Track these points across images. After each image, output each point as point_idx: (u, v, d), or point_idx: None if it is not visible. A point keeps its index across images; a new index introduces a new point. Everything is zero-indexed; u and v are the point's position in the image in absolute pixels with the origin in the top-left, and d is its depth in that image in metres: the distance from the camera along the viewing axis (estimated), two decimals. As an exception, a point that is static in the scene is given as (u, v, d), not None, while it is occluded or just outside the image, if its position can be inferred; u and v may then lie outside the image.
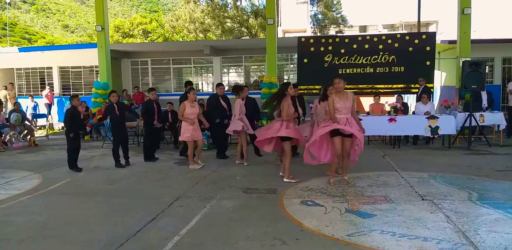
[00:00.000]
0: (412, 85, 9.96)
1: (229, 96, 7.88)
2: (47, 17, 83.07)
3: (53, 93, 15.25)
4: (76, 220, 4.35)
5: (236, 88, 7.32)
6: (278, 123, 5.85)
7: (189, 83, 8.50)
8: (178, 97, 8.31)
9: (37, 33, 68.92)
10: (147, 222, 4.17)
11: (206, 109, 9.02)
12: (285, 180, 5.79)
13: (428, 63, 9.92)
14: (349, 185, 5.47)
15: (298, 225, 3.95)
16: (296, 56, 12.04)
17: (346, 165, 5.72)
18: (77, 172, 6.92)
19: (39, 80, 16.40)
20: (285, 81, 15.80)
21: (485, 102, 9.76)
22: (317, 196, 4.98)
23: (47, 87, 15.12)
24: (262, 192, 5.28)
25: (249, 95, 7.70)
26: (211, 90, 15.64)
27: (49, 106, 14.51)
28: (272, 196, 5.09)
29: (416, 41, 9.97)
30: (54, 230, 4.05)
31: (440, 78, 13.44)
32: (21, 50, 17.02)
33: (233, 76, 17.28)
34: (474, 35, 11.02)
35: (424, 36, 10.14)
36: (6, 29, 54.02)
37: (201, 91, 16.72)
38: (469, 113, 8.66)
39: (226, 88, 15.98)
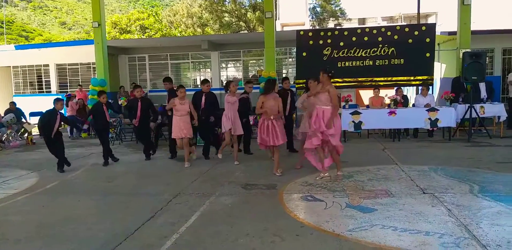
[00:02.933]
0: (412, 78, 9.87)
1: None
2: (44, 14, 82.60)
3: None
4: (74, 218, 4.30)
5: (226, 85, 7.19)
6: (270, 125, 5.84)
7: (168, 79, 8.20)
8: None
9: (34, 30, 68.57)
10: (145, 220, 4.12)
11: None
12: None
13: (428, 55, 9.81)
14: (337, 181, 5.42)
15: (298, 221, 3.91)
16: (295, 50, 11.93)
17: (337, 160, 5.67)
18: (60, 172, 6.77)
19: (36, 78, 16.29)
20: (283, 75, 15.70)
21: (484, 94, 9.68)
22: (317, 191, 4.93)
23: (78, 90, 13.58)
24: (261, 188, 5.23)
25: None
26: (213, 86, 15.50)
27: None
28: (272, 191, 5.04)
29: (416, 33, 9.84)
30: (52, 229, 4.01)
31: (440, 70, 13.33)
32: (17, 48, 16.89)
33: (232, 71, 17.17)
34: (473, 26, 10.89)
35: (423, 28, 10.01)
36: (3, 27, 53.75)
37: (199, 86, 16.61)
38: (469, 105, 8.59)
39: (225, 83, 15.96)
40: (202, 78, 17.16)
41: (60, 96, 7.16)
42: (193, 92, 7.84)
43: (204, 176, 6.08)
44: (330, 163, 5.74)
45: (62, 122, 6.99)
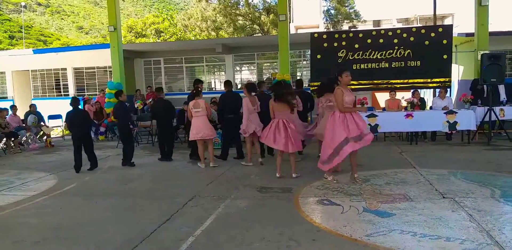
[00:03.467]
0: (429, 80, 9.72)
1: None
2: (62, 19, 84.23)
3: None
4: (91, 221, 4.33)
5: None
6: (284, 126, 5.84)
7: (198, 81, 8.31)
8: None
9: (52, 35, 69.95)
10: (161, 223, 4.12)
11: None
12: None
13: (445, 56, 9.66)
14: (357, 183, 5.35)
15: (314, 225, 3.86)
16: (309, 52, 11.88)
17: (354, 161, 5.54)
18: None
19: (54, 81, 16.59)
20: (297, 78, 15.65)
21: (504, 96, 9.47)
22: (334, 195, 4.87)
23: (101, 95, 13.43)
24: (277, 191, 5.19)
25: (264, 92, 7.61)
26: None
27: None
28: (288, 195, 5.00)
29: (432, 34, 9.70)
30: (69, 231, 4.04)
31: (458, 72, 13.12)
32: (35, 52, 17.23)
33: (246, 74, 17.20)
34: (491, 28, 10.70)
35: (440, 29, 9.87)
36: (22, 32, 54.99)
37: (213, 89, 16.69)
38: (488, 107, 8.41)
39: (239, 86, 16.00)
40: (217, 81, 17.26)
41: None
42: (209, 96, 7.91)
43: (219, 179, 6.07)
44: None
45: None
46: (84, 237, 3.86)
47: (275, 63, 16.04)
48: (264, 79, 16.24)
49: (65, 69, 16.20)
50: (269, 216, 4.22)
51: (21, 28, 57.28)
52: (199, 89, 7.30)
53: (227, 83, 7.79)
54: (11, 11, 73.92)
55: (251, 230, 3.83)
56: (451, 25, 10.73)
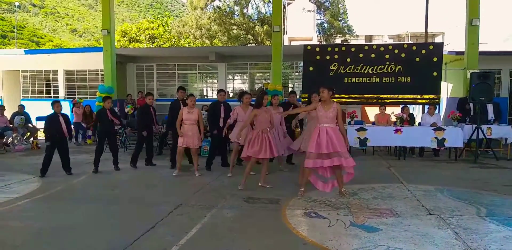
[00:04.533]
0: (419, 96, 9.84)
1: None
2: (56, 20, 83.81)
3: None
4: (74, 226, 4.24)
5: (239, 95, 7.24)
6: (264, 137, 5.83)
7: (182, 88, 8.29)
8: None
9: (45, 36, 69.45)
10: (145, 231, 4.06)
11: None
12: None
13: (435, 74, 9.80)
14: (344, 197, 5.35)
15: (301, 238, 3.83)
16: (301, 64, 11.97)
17: (340, 176, 5.52)
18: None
19: (44, 83, 16.40)
20: (290, 89, 15.73)
21: (491, 115, 9.62)
22: (321, 208, 4.85)
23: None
24: (264, 202, 5.16)
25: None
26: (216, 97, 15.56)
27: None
28: (275, 206, 4.97)
29: (423, 51, 9.86)
30: (50, 236, 3.95)
31: (447, 90, 13.31)
32: (27, 52, 17.04)
33: (238, 83, 17.23)
34: (483, 47, 10.92)
35: (431, 47, 10.03)
36: (15, 32, 54.51)
37: (205, 97, 16.65)
38: (476, 125, 8.53)
39: (231, 95, 16.00)
40: (209, 89, 17.26)
41: (59, 101, 7.19)
42: (201, 103, 7.88)
43: (206, 188, 6.02)
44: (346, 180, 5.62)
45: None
46: (66, 243, 3.78)
47: (268, 74, 16.11)
48: (256, 89, 16.30)
49: (56, 71, 16.03)
50: (256, 227, 4.18)
51: (14, 28, 56.80)
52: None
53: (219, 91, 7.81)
54: (5, 10, 73.35)
55: (237, 241, 3.78)
56: (442, 43, 10.94)
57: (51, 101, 7.08)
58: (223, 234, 3.96)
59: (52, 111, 6.99)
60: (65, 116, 7.03)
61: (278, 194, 5.49)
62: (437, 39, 31.74)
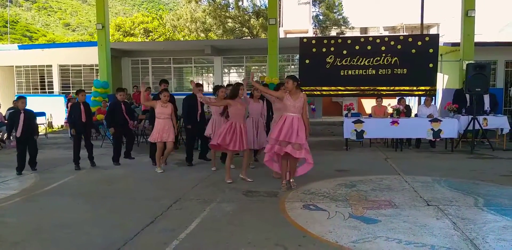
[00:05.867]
0: (415, 88, 9.86)
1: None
2: (49, 15, 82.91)
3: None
4: (72, 222, 4.23)
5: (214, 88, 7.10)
6: (238, 128, 5.80)
7: (164, 81, 8.15)
8: (180, 97, 8.13)
9: (38, 31, 68.73)
10: (145, 225, 4.06)
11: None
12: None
13: (431, 65, 9.81)
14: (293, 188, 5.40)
15: (300, 231, 3.84)
16: (297, 57, 11.93)
17: (293, 167, 5.53)
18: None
19: (38, 78, 16.26)
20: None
21: (488, 106, 9.65)
22: (320, 200, 4.87)
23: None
24: (263, 195, 5.17)
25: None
26: (212, 91, 15.51)
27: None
28: (274, 199, 4.98)
29: (419, 43, 9.85)
30: (49, 232, 3.94)
31: (443, 81, 13.33)
32: (20, 47, 16.87)
33: (234, 77, 17.16)
34: (478, 38, 10.91)
35: (427, 38, 10.02)
36: (7, 27, 53.90)
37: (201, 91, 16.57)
38: (472, 116, 8.56)
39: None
40: (205, 83, 17.18)
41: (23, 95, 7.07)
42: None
43: (205, 181, 6.02)
44: (302, 172, 5.63)
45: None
46: (65, 239, 3.77)
47: (264, 67, 16.06)
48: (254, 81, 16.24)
49: (51, 66, 15.89)
50: (255, 220, 4.19)
51: (7, 23, 56.14)
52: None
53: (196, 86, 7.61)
54: (-4, 5, 72.41)
55: (237, 234, 3.79)
56: (438, 35, 10.91)
57: (55, 96, 6.98)
58: (223, 228, 3.97)
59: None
60: (26, 113, 6.79)
61: (276, 187, 5.50)
62: (432, 31, 31.71)
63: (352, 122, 8.82)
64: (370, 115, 10.03)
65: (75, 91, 14.95)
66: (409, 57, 9.80)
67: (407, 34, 22.20)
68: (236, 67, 17.04)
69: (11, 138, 7.46)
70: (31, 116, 6.91)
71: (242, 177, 5.99)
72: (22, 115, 6.71)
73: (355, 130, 8.81)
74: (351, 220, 4.11)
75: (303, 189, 5.41)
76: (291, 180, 5.55)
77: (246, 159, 6.06)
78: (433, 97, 9.78)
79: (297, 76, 6.61)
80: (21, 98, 6.81)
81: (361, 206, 4.57)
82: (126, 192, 5.57)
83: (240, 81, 8.28)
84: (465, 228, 3.79)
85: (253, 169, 6.78)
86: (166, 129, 6.74)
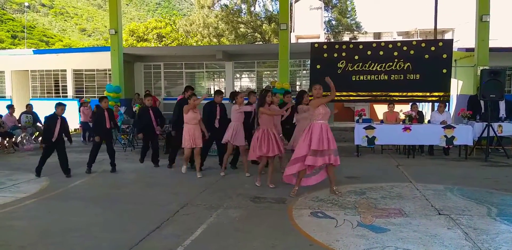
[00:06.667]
0: (428, 94, 9.71)
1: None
2: (65, 20, 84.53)
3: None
4: (79, 226, 4.24)
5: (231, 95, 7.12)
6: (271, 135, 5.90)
7: (190, 88, 8.21)
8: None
9: (54, 36, 70.08)
10: (151, 231, 4.04)
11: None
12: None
13: (444, 71, 9.66)
14: (338, 196, 5.32)
15: (307, 239, 3.78)
16: (309, 62, 11.88)
17: (332, 175, 5.48)
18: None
19: (53, 82, 16.51)
20: (297, 87, 15.66)
21: (503, 112, 9.45)
22: (328, 208, 4.79)
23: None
24: (270, 202, 5.12)
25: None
26: (224, 96, 15.52)
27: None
28: (281, 206, 4.92)
29: (433, 48, 9.72)
30: (56, 236, 3.95)
31: (457, 87, 13.12)
32: (35, 52, 17.17)
33: (245, 82, 17.19)
34: (493, 44, 10.73)
35: (440, 44, 9.89)
36: (25, 32, 55.10)
37: (213, 96, 16.64)
38: (486, 123, 8.39)
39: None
40: (216, 88, 17.24)
41: (62, 102, 7.15)
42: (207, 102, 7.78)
43: (213, 187, 5.99)
44: (320, 179, 5.59)
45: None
46: (72, 243, 3.77)
47: (275, 72, 16.04)
48: (264, 87, 16.25)
49: (65, 70, 16.13)
50: (262, 227, 4.14)
51: (24, 28, 57.40)
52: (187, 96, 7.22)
53: (217, 93, 7.67)
54: (15, 11, 74.12)
55: (243, 241, 3.75)
56: (452, 40, 10.76)
57: (69, 100, 7.10)
58: (229, 234, 3.93)
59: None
60: (62, 120, 6.96)
61: (284, 194, 5.44)
62: (447, 36, 31.40)
63: (363, 128, 8.71)
64: (381, 121, 9.90)
65: (88, 95, 15.22)
66: (422, 62, 9.68)
67: (420, 39, 22.00)
68: (247, 72, 17.06)
69: (25, 141, 7.62)
70: (66, 122, 7.08)
71: (272, 186, 5.90)
72: (59, 121, 6.86)
73: (366, 136, 8.70)
74: (360, 228, 4.03)
75: (311, 196, 5.34)
76: (334, 188, 5.46)
77: (271, 166, 6.01)
78: (447, 104, 9.61)
79: (309, 82, 6.65)
80: (61, 105, 6.93)
81: (370, 214, 4.48)
82: (135, 196, 5.57)
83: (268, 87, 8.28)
84: (477, 239, 3.68)
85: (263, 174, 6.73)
86: (197, 135, 6.78)
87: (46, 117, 6.94)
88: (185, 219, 4.46)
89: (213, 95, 7.77)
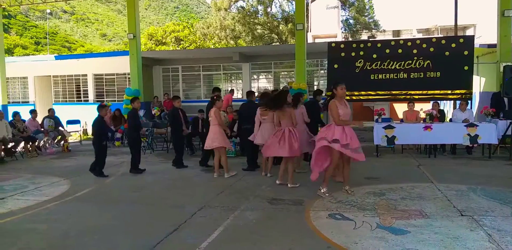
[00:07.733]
0: (450, 91, 9.50)
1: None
2: (86, 26, 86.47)
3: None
4: (99, 228, 4.30)
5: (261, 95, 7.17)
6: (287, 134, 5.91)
7: (217, 89, 8.29)
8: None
9: (76, 41, 71.78)
10: (168, 233, 4.06)
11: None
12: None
13: (466, 68, 9.45)
14: (349, 195, 5.27)
15: (325, 241, 3.72)
16: (326, 61, 11.80)
17: (347, 174, 5.43)
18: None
19: (74, 87, 16.89)
20: (315, 87, 15.54)
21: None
22: (346, 209, 4.72)
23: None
24: (288, 203, 5.08)
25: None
26: (241, 97, 15.58)
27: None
28: (299, 207, 4.88)
29: (453, 45, 9.51)
30: (76, 239, 4.01)
31: (479, 84, 12.80)
32: (57, 58, 17.62)
33: (263, 83, 17.20)
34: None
35: (461, 40, 9.67)
36: (47, 38, 56.57)
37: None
38: (511, 121, 8.13)
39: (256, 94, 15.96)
40: (235, 89, 17.27)
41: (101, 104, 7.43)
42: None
43: (230, 189, 5.99)
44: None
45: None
46: (90, 245, 3.82)
47: (292, 72, 15.99)
48: (281, 88, 16.20)
49: (86, 75, 16.48)
50: (279, 230, 4.11)
51: (47, 35, 58.95)
52: (215, 98, 7.21)
53: (248, 93, 7.78)
54: (38, 18, 76.27)
55: (259, 244, 3.72)
56: (473, 36, 10.52)
57: (90, 104, 7.34)
58: (245, 237, 3.91)
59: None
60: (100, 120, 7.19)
61: (302, 195, 5.39)
62: (469, 32, 30.63)
63: (383, 128, 8.57)
64: (401, 120, 9.72)
65: (108, 99, 15.49)
66: (442, 60, 9.49)
67: (440, 36, 21.57)
68: (265, 73, 17.07)
69: (47, 145, 7.79)
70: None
71: (290, 185, 5.91)
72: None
73: (386, 136, 8.55)
74: (379, 230, 3.95)
75: (329, 197, 5.27)
76: (346, 187, 5.42)
77: (291, 166, 6.01)
78: (469, 102, 9.37)
79: (326, 82, 6.62)
80: (106, 107, 7.37)
81: (389, 216, 4.39)
82: (153, 198, 5.62)
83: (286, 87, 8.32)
84: (501, 241, 3.55)
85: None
86: (211, 136, 6.88)
87: (96, 120, 7.12)
88: (203, 221, 4.47)
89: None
